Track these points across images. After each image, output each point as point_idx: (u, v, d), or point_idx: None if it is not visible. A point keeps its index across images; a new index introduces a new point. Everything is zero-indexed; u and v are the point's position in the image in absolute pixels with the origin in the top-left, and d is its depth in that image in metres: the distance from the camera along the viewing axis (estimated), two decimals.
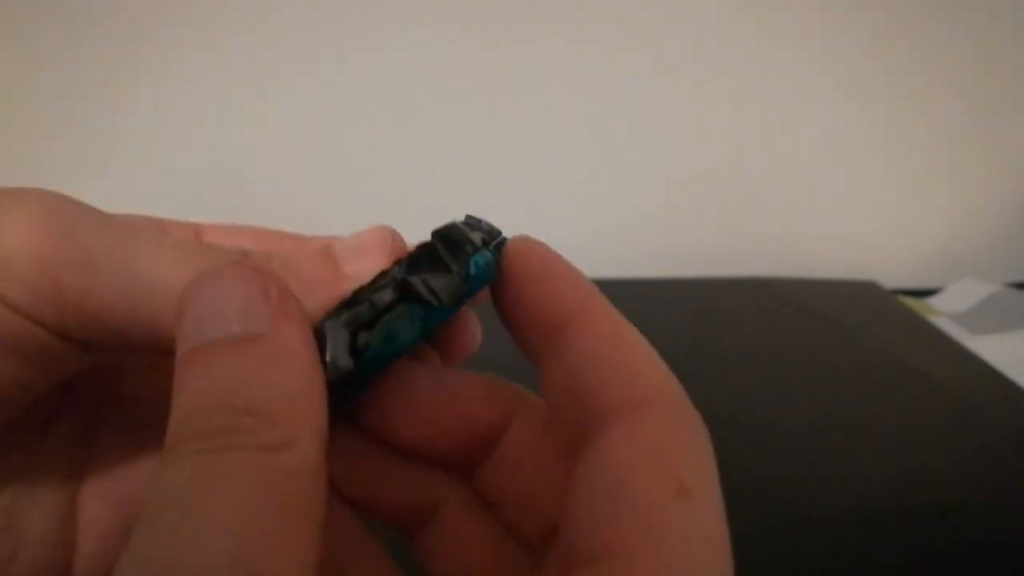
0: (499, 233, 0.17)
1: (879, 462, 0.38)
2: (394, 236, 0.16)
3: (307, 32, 0.56)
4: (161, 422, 0.18)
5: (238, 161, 0.58)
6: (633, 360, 0.13)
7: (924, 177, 0.69)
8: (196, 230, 0.19)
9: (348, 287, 0.15)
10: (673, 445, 0.12)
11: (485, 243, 0.16)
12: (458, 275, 0.15)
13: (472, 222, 0.17)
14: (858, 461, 0.38)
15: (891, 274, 0.68)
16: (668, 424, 0.12)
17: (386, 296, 0.15)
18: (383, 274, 0.16)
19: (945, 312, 0.62)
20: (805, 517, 0.34)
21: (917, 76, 0.65)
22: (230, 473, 0.10)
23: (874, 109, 0.66)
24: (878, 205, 0.69)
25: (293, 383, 0.12)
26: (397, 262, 0.16)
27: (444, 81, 0.59)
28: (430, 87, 0.59)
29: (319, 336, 0.15)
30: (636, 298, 0.58)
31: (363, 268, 0.15)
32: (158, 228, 0.18)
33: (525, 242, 0.16)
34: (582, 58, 0.60)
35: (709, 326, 0.53)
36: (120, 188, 0.56)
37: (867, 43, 0.63)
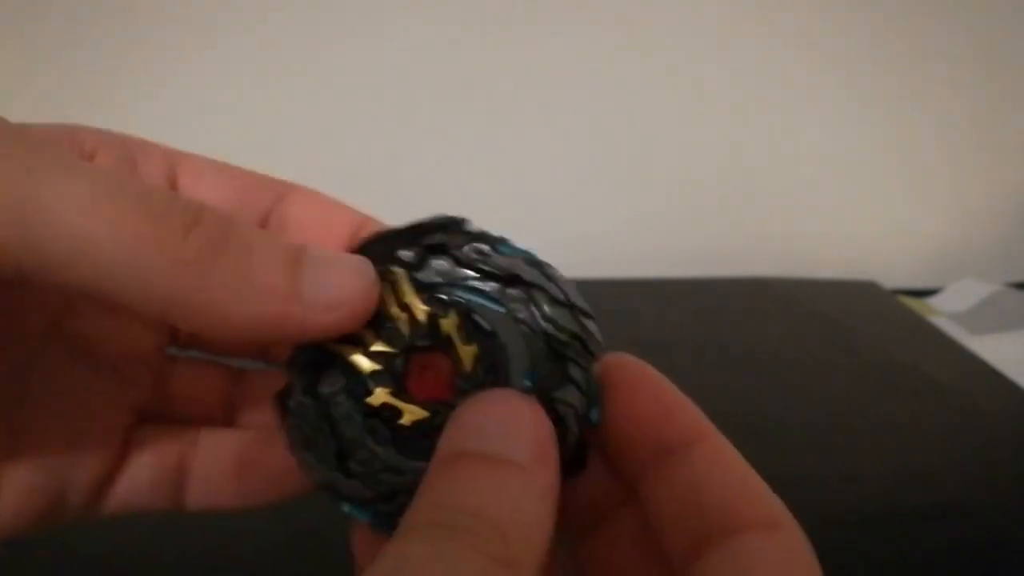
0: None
1: (879, 462, 0.38)
2: (371, 290, 0.15)
3: (306, 32, 0.56)
4: (115, 367, 0.17)
5: (236, 161, 0.58)
6: (755, 483, 0.15)
7: (924, 177, 0.69)
8: (172, 164, 0.18)
9: (296, 313, 0.14)
10: (800, 566, 0.14)
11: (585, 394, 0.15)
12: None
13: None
14: (858, 461, 0.38)
15: (891, 274, 0.68)
16: (796, 546, 0.14)
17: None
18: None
19: (945, 312, 0.62)
20: (805, 517, 0.34)
21: (917, 76, 0.65)
22: (461, 565, 0.12)
23: (874, 109, 0.66)
24: (878, 205, 0.69)
25: (535, 516, 0.13)
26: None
27: (444, 81, 0.59)
28: (430, 87, 0.59)
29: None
30: (636, 298, 0.58)
31: (329, 302, 0.14)
32: (92, 146, 0.16)
33: (631, 366, 0.16)
34: (583, 58, 0.60)
35: (709, 326, 0.53)
36: None
37: (868, 43, 0.63)
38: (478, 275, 0.16)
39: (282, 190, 0.19)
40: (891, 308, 0.59)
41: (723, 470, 0.15)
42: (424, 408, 0.15)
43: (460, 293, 0.16)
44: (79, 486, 0.17)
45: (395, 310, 0.16)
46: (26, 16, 0.52)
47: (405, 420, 0.15)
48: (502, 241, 0.16)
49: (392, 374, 0.16)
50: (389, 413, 0.15)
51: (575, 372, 0.15)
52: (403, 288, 0.16)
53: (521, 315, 0.16)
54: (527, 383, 0.15)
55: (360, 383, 0.16)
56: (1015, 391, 0.46)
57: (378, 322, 0.16)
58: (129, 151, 0.17)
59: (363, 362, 0.16)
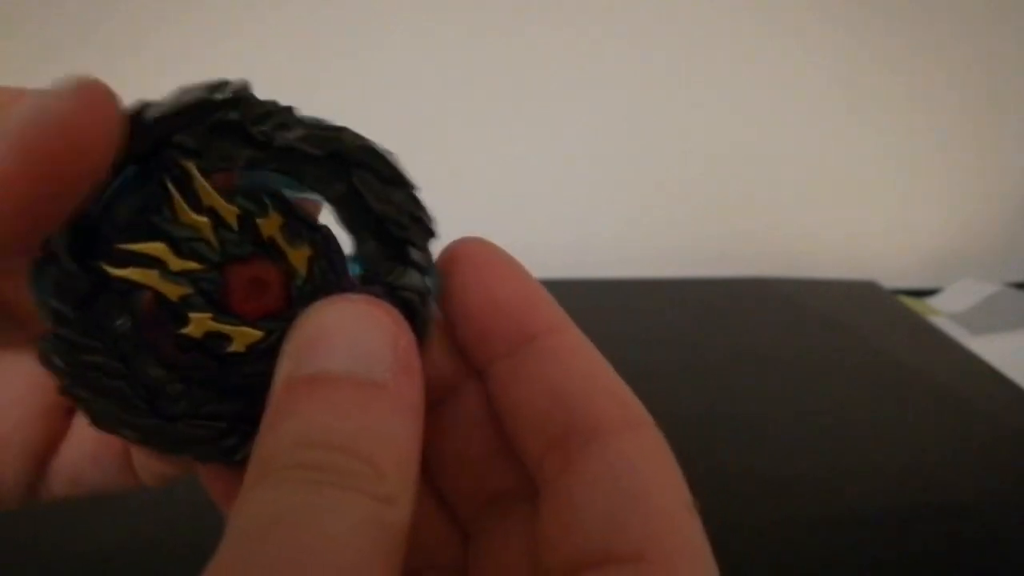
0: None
1: (879, 462, 0.38)
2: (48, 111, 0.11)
3: (305, 30, 0.56)
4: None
5: None
6: (617, 382, 0.14)
7: (924, 177, 0.69)
8: None
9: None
10: (673, 464, 0.13)
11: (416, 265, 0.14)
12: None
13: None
14: (858, 461, 0.38)
15: (891, 274, 0.68)
16: (660, 445, 0.13)
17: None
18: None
19: (945, 312, 0.62)
20: (805, 517, 0.34)
21: (917, 77, 0.65)
22: (342, 511, 0.10)
23: (874, 109, 0.66)
24: (878, 205, 0.69)
25: (405, 441, 0.12)
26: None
27: (443, 80, 0.59)
28: (430, 86, 0.59)
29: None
30: (636, 298, 0.58)
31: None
32: None
33: (482, 245, 0.15)
34: (584, 58, 0.60)
35: (709, 326, 0.53)
36: None
37: (867, 43, 0.63)
38: (286, 156, 0.13)
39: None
40: (891, 308, 0.59)
41: (583, 366, 0.14)
42: (257, 328, 0.13)
43: (268, 183, 0.13)
44: (15, 459, 0.15)
45: (194, 216, 0.12)
46: (24, 16, 0.52)
47: (236, 346, 0.13)
48: (294, 110, 0.13)
49: (206, 295, 0.13)
50: (215, 341, 0.13)
51: (416, 255, 0.14)
52: (199, 185, 0.12)
53: (349, 200, 0.13)
54: (368, 277, 0.14)
55: (169, 312, 0.13)
56: (1015, 391, 0.46)
57: (175, 234, 0.13)
58: None
59: (165, 286, 0.13)
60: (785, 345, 0.50)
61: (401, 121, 0.60)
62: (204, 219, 0.13)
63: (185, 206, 0.12)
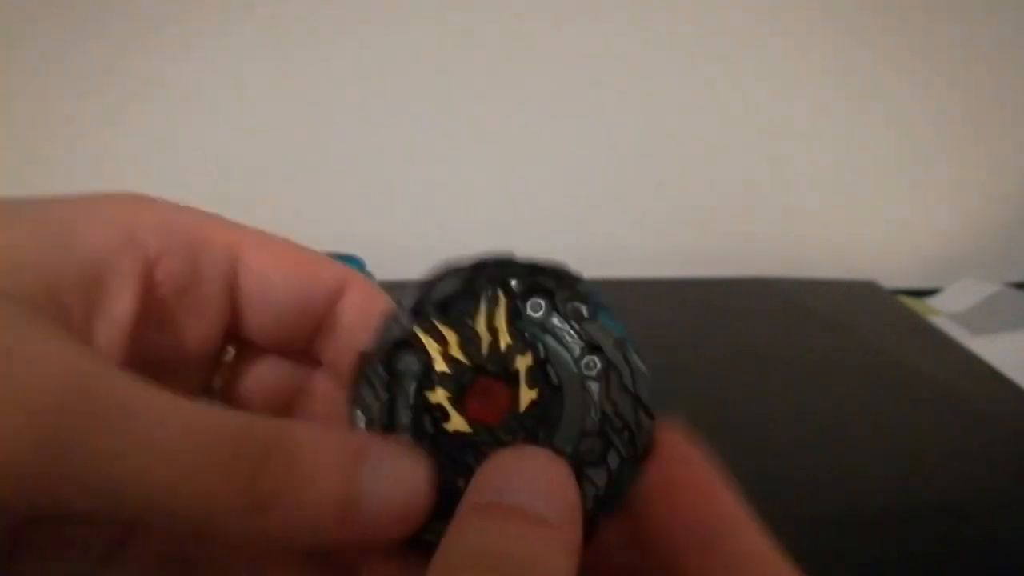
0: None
1: (879, 462, 0.38)
2: (425, 497, 0.15)
3: (305, 30, 0.56)
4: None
5: (225, 161, 0.58)
6: None
7: (924, 177, 0.69)
8: (234, 252, 0.18)
9: (353, 534, 0.14)
10: None
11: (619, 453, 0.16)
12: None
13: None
14: (858, 461, 0.38)
15: (891, 274, 0.68)
16: None
17: None
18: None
19: (945, 312, 0.62)
20: (805, 517, 0.34)
21: (918, 76, 0.65)
22: None
23: (874, 109, 0.66)
24: (878, 205, 0.69)
25: (565, 573, 0.13)
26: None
27: (440, 81, 0.59)
28: (425, 86, 0.59)
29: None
30: (636, 298, 0.57)
31: (384, 520, 0.15)
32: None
33: (677, 443, 0.16)
34: (583, 57, 0.60)
35: (709, 326, 0.53)
36: (109, 187, 0.56)
37: (868, 43, 0.63)
38: (568, 331, 0.17)
39: (341, 279, 0.19)
40: (891, 308, 0.59)
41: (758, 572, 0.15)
42: (470, 425, 0.17)
43: (546, 339, 0.17)
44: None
45: (483, 329, 0.17)
46: (24, 19, 0.52)
47: (450, 427, 0.17)
48: (605, 309, 0.17)
49: (457, 382, 0.17)
50: (440, 414, 0.17)
51: (613, 459, 0.16)
52: (499, 313, 0.17)
53: (589, 384, 0.17)
54: (568, 449, 0.16)
55: (429, 376, 0.17)
56: (1015, 391, 0.46)
57: (466, 332, 0.17)
58: (191, 251, 0.17)
59: (439, 361, 0.17)
60: (785, 345, 0.50)
61: (402, 122, 0.60)
62: (488, 336, 0.17)
63: (481, 319, 0.17)
